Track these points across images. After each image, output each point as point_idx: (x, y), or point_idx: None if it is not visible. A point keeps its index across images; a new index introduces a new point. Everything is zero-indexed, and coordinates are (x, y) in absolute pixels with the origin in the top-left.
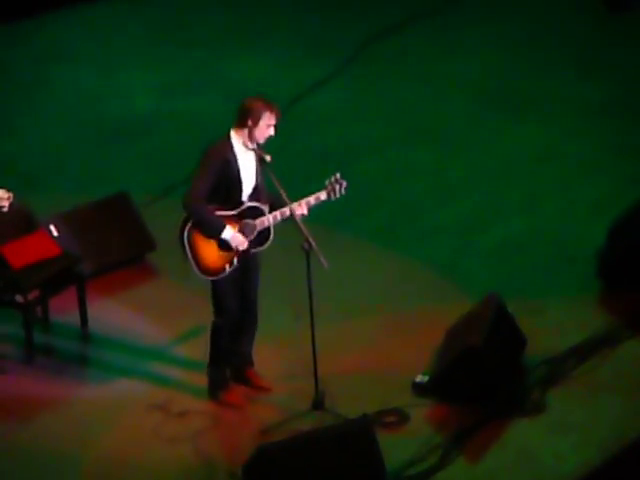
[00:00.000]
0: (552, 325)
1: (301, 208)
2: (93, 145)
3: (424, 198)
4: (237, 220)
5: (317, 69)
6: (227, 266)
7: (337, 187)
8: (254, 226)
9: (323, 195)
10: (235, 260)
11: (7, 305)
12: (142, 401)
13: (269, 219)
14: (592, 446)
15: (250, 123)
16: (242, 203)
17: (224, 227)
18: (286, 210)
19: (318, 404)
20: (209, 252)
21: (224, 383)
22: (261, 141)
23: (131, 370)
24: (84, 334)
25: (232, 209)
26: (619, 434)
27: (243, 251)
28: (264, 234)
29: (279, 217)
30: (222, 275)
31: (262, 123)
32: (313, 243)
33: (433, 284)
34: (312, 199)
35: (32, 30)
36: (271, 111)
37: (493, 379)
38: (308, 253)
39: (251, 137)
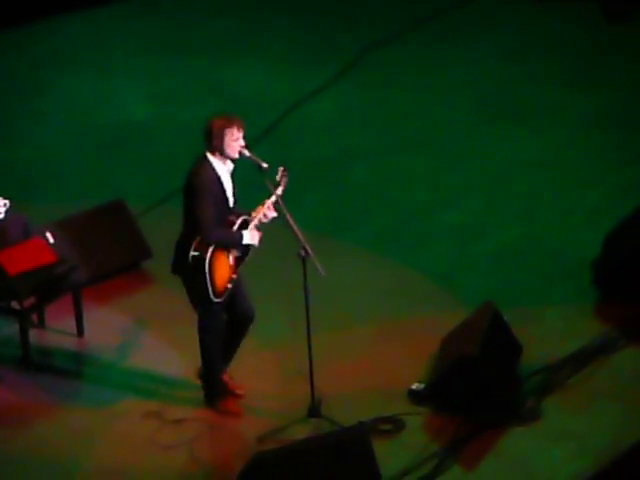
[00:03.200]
0: (548, 333)
1: (270, 210)
2: (90, 152)
3: (421, 206)
4: None
5: (314, 78)
6: (229, 285)
7: (285, 179)
8: None
9: (279, 190)
10: (234, 276)
11: (3, 312)
12: (138, 408)
13: (252, 228)
14: (588, 454)
15: (217, 143)
16: (234, 221)
17: (242, 235)
18: (261, 217)
19: (314, 412)
20: (219, 275)
21: (220, 391)
22: (234, 156)
23: (127, 377)
24: (80, 341)
25: (230, 227)
26: (615, 442)
27: (239, 263)
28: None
29: (258, 224)
30: (228, 292)
31: (227, 140)
32: (309, 250)
33: (429, 292)
34: (274, 198)
35: (29, 36)
36: (232, 126)
37: (489, 387)
38: (304, 260)
39: (224, 155)
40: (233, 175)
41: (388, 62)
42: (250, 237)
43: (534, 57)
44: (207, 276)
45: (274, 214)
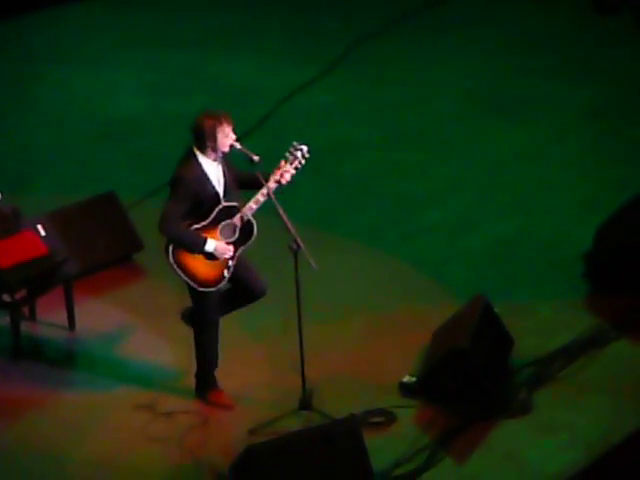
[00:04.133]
0: (539, 326)
1: (284, 177)
2: (81, 145)
3: (412, 199)
4: (215, 226)
5: (304, 71)
6: (225, 272)
7: (299, 154)
8: (234, 225)
9: (291, 167)
10: (231, 263)
11: None
12: (129, 401)
13: (246, 212)
14: (579, 446)
15: (209, 142)
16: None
17: (205, 241)
18: (259, 197)
19: (306, 404)
20: (202, 264)
21: (212, 383)
22: (226, 150)
23: (118, 370)
24: (71, 334)
25: (205, 218)
26: (606, 434)
27: (236, 249)
28: (247, 228)
29: (255, 206)
30: (224, 281)
31: (220, 138)
32: (301, 243)
33: (421, 285)
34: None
35: (22, 29)
36: (222, 124)
37: (480, 380)
38: (296, 253)
39: (215, 151)
40: (225, 161)
41: (380, 55)
42: (213, 247)
43: (525, 51)
44: (174, 266)
45: (289, 179)
